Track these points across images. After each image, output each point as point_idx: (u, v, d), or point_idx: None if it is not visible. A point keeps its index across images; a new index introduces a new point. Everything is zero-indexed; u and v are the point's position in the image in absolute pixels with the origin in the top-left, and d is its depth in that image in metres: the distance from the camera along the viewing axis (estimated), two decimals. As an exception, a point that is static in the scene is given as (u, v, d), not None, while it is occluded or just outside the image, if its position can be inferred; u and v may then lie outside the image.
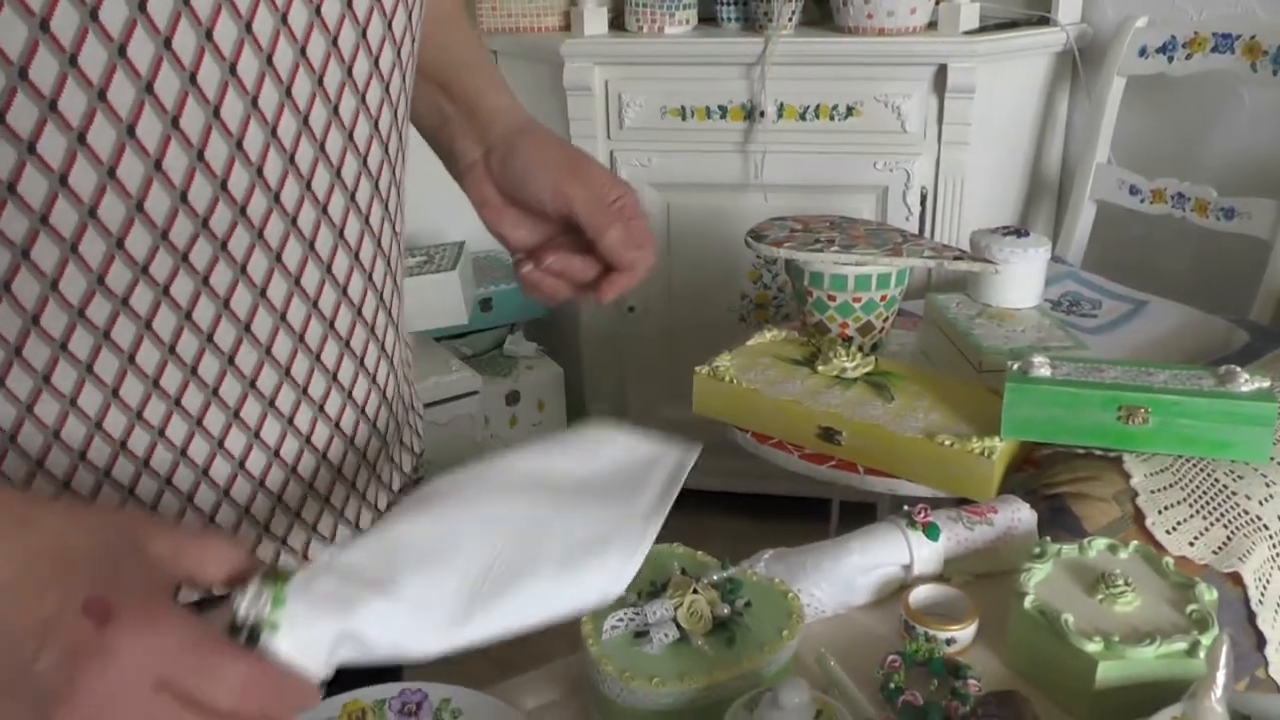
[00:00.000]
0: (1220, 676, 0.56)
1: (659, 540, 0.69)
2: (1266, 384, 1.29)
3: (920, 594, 1.05)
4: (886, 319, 1.71)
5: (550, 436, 0.71)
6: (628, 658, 0.91)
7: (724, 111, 2.47)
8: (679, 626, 0.92)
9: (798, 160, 2.48)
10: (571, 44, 2.47)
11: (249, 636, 0.57)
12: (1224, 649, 0.56)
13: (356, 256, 0.84)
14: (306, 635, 0.58)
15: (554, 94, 2.52)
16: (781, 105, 2.47)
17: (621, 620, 0.93)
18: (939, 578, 1.09)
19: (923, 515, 1.10)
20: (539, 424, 2.61)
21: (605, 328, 2.65)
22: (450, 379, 2.28)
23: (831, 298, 1.67)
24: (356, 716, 0.94)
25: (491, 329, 2.65)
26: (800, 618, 0.95)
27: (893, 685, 0.91)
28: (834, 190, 2.46)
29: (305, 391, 0.84)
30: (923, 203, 2.51)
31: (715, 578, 0.97)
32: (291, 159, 0.75)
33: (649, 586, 0.97)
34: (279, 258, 0.77)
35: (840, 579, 1.07)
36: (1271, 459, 1.26)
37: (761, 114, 2.46)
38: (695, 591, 0.94)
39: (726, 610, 0.94)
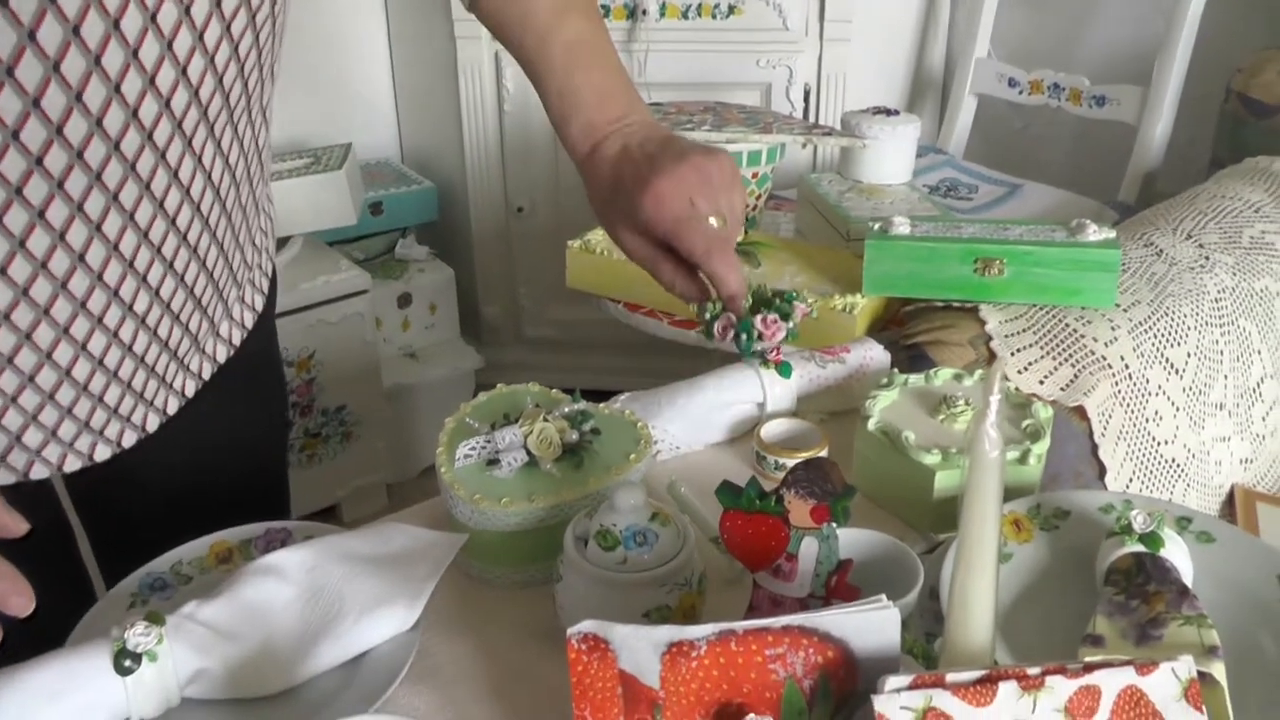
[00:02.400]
0: (994, 402, 0.59)
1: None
2: (1112, 234, 1.34)
3: (772, 427, 1.08)
4: (759, 196, 1.74)
5: (361, 530, 0.92)
6: (479, 482, 0.93)
7: (607, 10, 2.46)
8: (529, 453, 0.94)
9: (681, 59, 2.49)
10: (451, -58, 2.45)
11: (133, 660, 0.75)
12: (998, 375, 0.59)
13: (197, 153, 0.85)
14: (171, 667, 0.77)
15: (437, -4, 2.50)
16: (664, 4, 2.47)
17: (474, 449, 0.95)
18: (793, 415, 1.12)
19: (775, 354, 1.12)
20: (431, 326, 2.61)
21: (496, 230, 2.65)
22: (339, 278, 2.27)
23: (705, 175, 1.69)
24: (223, 556, 0.95)
25: (383, 233, 2.63)
26: (649, 443, 0.97)
27: None
28: (718, 88, 2.47)
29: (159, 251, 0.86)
30: (806, 99, 2.54)
31: (567, 409, 0.99)
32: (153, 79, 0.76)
33: (502, 419, 0.99)
34: (133, 166, 0.79)
35: (694, 416, 1.10)
36: (1116, 305, 1.31)
37: (644, 12, 2.46)
38: (545, 420, 0.96)
39: (575, 437, 0.96)
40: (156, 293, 0.88)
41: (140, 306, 0.87)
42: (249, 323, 1.06)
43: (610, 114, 0.99)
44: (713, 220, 0.94)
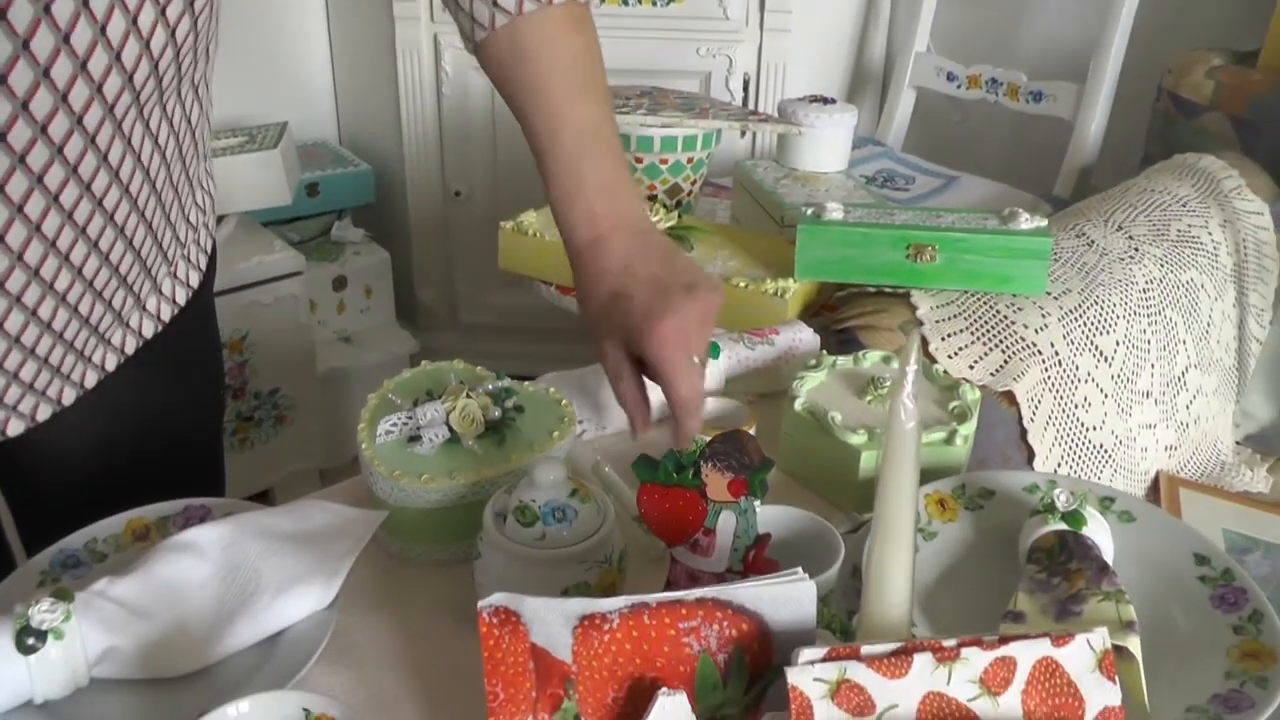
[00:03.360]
0: (910, 373, 0.59)
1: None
2: (1044, 223, 1.34)
3: (700, 407, 1.07)
4: (694, 181, 1.73)
5: (280, 507, 0.91)
6: (399, 459, 0.91)
7: (547, -6, 2.44)
8: (451, 430, 0.93)
9: (620, 45, 2.46)
10: (393, -76, 2.42)
11: (37, 638, 0.73)
12: (914, 345, 0.59)
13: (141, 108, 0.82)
14: (79, 646, 0.75)
15: (378, -25, 2.47)
16: (605, -11, 2.46)
17: (395, 425, 0.94)
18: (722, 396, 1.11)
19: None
20: (367, 310, 2.58)
21: (433, 214, 2.62)
22: (273, 258, 2.23)
23: (639, 159, 1.68)
24: (140, 533, 0.93)
25: (319, 215, 2.59)
26: (572, 421, 0.96)
27: None
28: (657, 75, 2.45)
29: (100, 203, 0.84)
30: (745, 89, 2.53)
31: (490, 386, 0.97)
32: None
33: (425, 396, 0.97)
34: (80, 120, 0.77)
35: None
36: (1047, 293, 1.31)
37: (585, -2, 2.44)
38: (468, 396, 0.94)
39: (498, 414, 0.95)
40: (79, 271, 0.86)
41: (61, 285, 0.85)
42: (182, 299, 1.04)
43: (612, 206, 0.96)
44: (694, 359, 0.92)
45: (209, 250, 1.08)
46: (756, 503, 0.73)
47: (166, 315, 1.02)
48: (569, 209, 0.95)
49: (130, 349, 0.99)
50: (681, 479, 0.71)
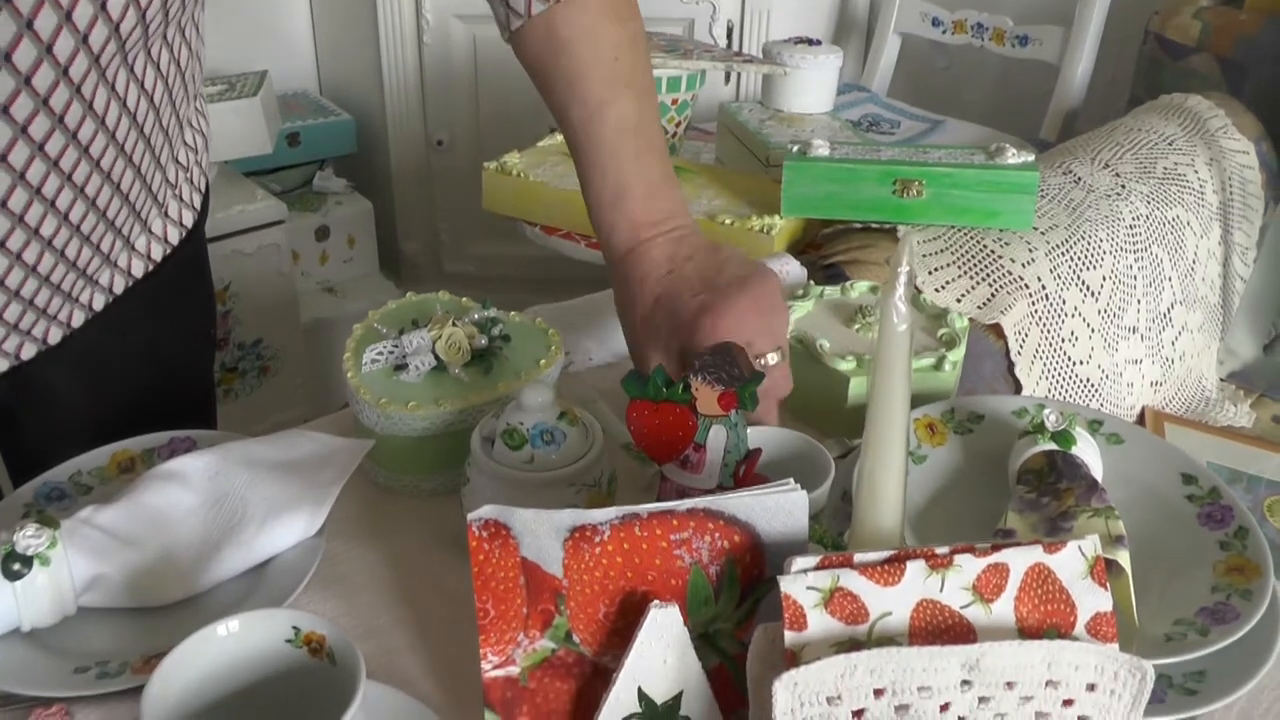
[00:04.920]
0: (902, 274, 0.58)
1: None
2: (1031, 158, 1.34)
3: (688, 339, 1.06)
4: (679, 124, 1.72)
5: (266, 436, 0.90)
6: (385, 387, 0.90)
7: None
8: (437, 358, 0.92)
9: (604, -9, 2.45)
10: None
11: (23, 563, 0.72)
12: (907, 247, 0.58)
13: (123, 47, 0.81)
14: (66, 573, 0.74)
15: (355, -76, 2.44)
16: (587, -66, 2.43)
17: (380, 354, 0.93)
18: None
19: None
20: (350, 260, 2.57)
21: (415, 163, 2.60)
22: (255, 207, 2.21)
23: (624, 100, 1.67)
24: (125, 465, 0.92)
25: (301, 165, 2.57)
26: (559, 349, 0.96)
27: None
28: (641, 21, 2.44)
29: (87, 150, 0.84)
30: (729, 36, 2.52)
31: (476, 316, 0.97)
32: None
33: (411, 326, 0.96)
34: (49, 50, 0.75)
35: (608, 329, 1.08)
36: (1035, 228, 1.31)
37: (567, -58, 2.41)
38: (454, 325, 0.94)
39: (484, 342, 0.94)
40: (65, 217, 0.85)
41: (47, 230, 0.84)
42: (174, 238, 1.03)
43: (655, 212, 0.91)
44: (772, 356, 0.85)
45: (202, 189, 1.07)
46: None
47: (158, 254, 1.01)
48: (611, 213, 0.91)
49: (119, 288, 0.98)
50: (671, 394, 0.71)
